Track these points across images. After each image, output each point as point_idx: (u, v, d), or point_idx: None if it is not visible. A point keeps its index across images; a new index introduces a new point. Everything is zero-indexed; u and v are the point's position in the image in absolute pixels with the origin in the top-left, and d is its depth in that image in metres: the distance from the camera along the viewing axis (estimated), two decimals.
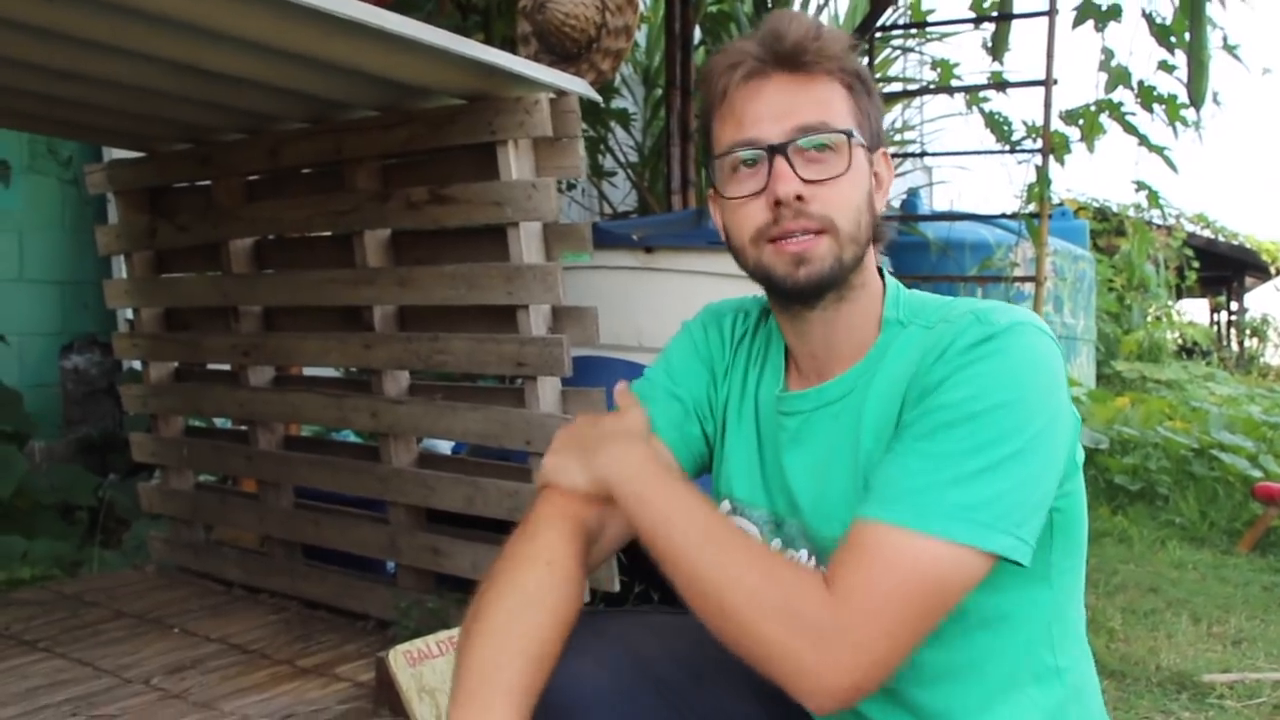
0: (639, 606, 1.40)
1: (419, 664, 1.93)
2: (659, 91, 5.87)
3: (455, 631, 2.01)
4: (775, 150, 1.05)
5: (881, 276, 1.15)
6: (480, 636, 1.02)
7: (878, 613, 0.94)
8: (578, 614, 1.07)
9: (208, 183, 2.88)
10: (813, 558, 1.13)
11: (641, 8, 3.48)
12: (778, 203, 1.04)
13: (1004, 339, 0.99)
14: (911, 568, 0.94)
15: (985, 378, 0.98)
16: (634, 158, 6.04)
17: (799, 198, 1.04)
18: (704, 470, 1.27)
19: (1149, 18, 4.55)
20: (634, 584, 2.38)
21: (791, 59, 1.06)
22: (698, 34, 5.36)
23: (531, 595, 1.04)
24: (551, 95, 2.17)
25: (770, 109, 1.06)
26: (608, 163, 5.79)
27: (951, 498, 0.95)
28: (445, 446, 3.07)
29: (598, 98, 2.37)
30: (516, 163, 2.17)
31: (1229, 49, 4.67)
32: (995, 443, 0.96)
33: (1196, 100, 4.64)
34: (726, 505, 1.21)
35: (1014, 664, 1.08)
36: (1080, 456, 1.09)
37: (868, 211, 1.08)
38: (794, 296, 1.09)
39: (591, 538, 1.13)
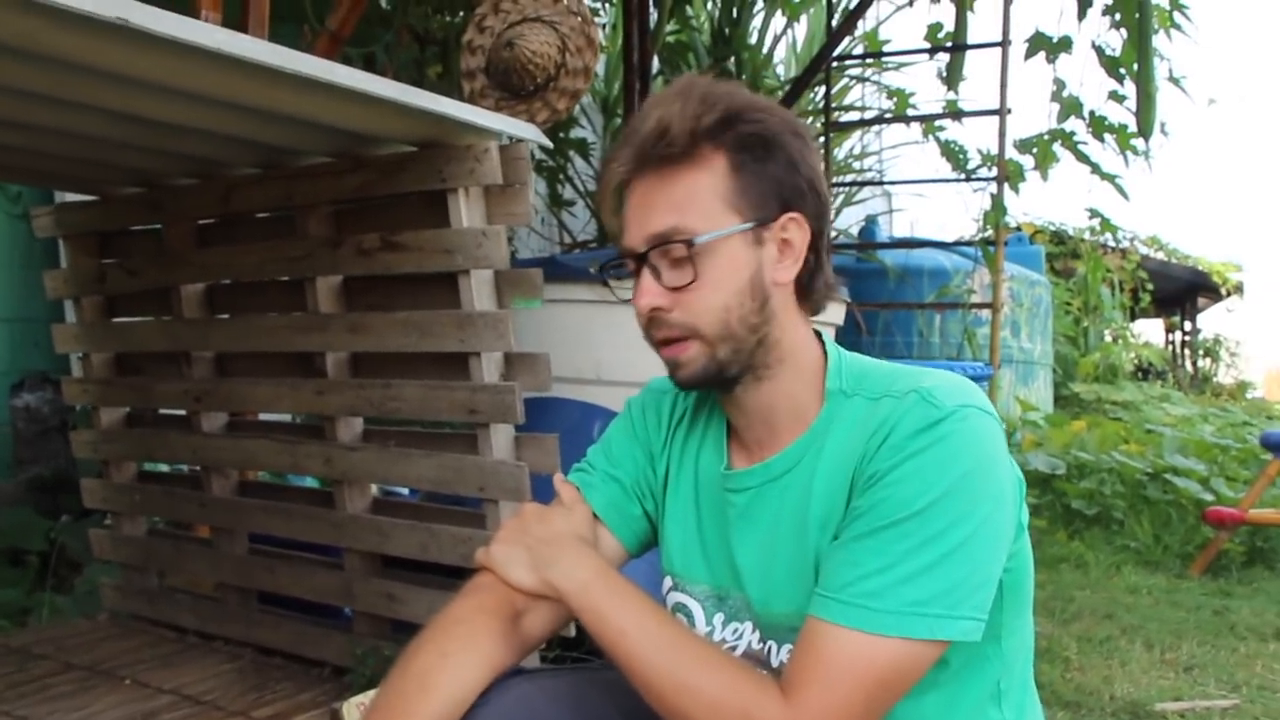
0: (592, 662, 1.40)
1: None
2: (618, 120, 5.90)
3: None
4: (638, 261, 1.07)
5: (822, 343, 1.15)
6: (390, 681, 1.07)
7: (831, 717, 0.96)
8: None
9: (159, 227, 2.85)
10: (757, 631, 1.14)
11: (600, 40, 3.50)
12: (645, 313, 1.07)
13: (947, 424, 1.00)
14: (868, 670, 0.97)
15: (930, 469, 0.99)
16: (593, 187, 6.06)
17: (657, 309, 1.06)
18: (648, 547, 1.28)
19: (1099, 50, 4.66)
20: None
21: (646, 158, 1.05)
22: (656, 64, 5.40)
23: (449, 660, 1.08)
24: (502, 143, 2.18)
25: (633, 215, 1.07)
26: (567, 192, 5.80)
27: (904, 595, 0.96)
28: (406, 489, 3.05)
29: (549, 144, 2.38)
30: (467, 210, 2.17)
31: (1175, 81, 4.78)
32: (943, 534, 0.97)
33: (1145, 130, 4.74)
34: (669, 581, 1.22)
35: None
36: (1025, 517, 1.11)
37: (749, 300, 1.06)
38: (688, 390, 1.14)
39: (522, 629, 1.15)
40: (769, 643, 1.12)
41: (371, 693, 1.99)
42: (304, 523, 2.61)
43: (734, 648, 1.15)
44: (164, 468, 3.28)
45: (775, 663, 1.11)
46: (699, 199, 1.04)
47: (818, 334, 1.16)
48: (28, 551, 3.49)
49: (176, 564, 2.98)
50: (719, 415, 1.20)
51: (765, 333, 1.08)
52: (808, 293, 1.12)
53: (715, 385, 1.11)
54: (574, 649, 2.34)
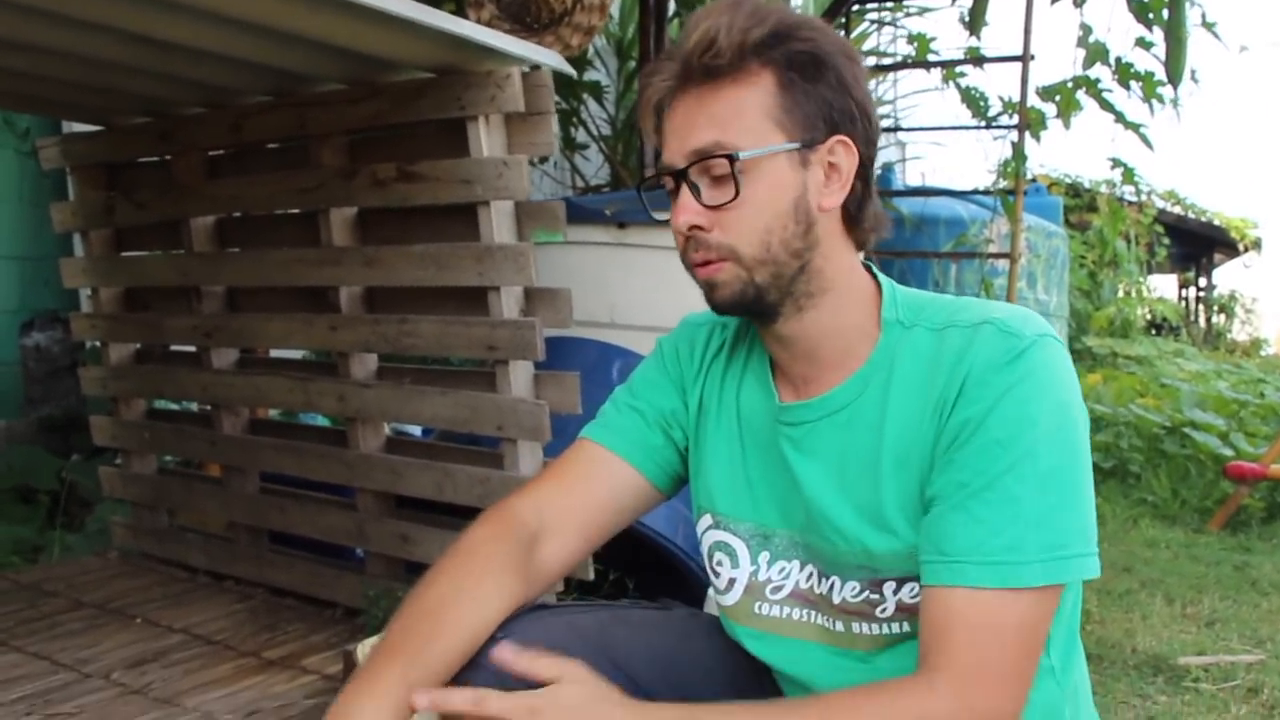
0: (616, 601, 1.36)
1: None
2: (632, 64, 5.79)
3: None
4: (678, 178, 1.02)
5: (874, 276, 1.10)
6: (402, 615, 1.03)
7: (996, 682, 0.93)
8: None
9: (168, 158, 2.78)
10: (807, 568, 1.09)
11: None
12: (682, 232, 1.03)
13: (1033, 355, 0.97)
14: (1022, 626, 0.93)
15: (1029, 405, 0.95)
16: (607, 131, 5.96)
17: (697, 228, 1.01)
18: (681, 482, 1.22)
19: None
20: (609, 572, 2.34)
21: (691, 71, 1.00)
22: (672, 5, 5.28)
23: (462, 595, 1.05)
24: (524, 69, 2.10)
25: (675, 130, 1.03)
26: (580, 136, 5.71)
27: (1042, 540, 0.93)
28: (417, 429, 3.01)
29: (572, 72, 2.31)
30: (487, 139, 2.10)
31: (1208, 26, 4.64)
32: (1057, 470, 0.94)
33: (1174, 78, 4.61)
34: (708, 519, 1.17)
35: None
36: None
37: (792, 223, 1.01)
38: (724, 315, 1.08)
39: (537, 559, 1.12)
40: (833, 578, 1.07)
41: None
42: (316, 461, 2.56)
43: (780, 587, 1.11)
44: (174, 405, 3.24)
45: (837, 599, 1.07)
46: (744, 115, 1.00)
47: (868, 266, 1.11)
48: (38, 490, 3.48)
49: (187, 502, 2.95)
50: (759, 350, 1.15)
51: (808, 259, 1.03)
52: (856, 222, 1.07)
53: (754, 312, 1.05)
54: (593, 593, 2.31)
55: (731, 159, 0.98)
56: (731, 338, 1.19)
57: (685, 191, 1.01)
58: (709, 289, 1.04)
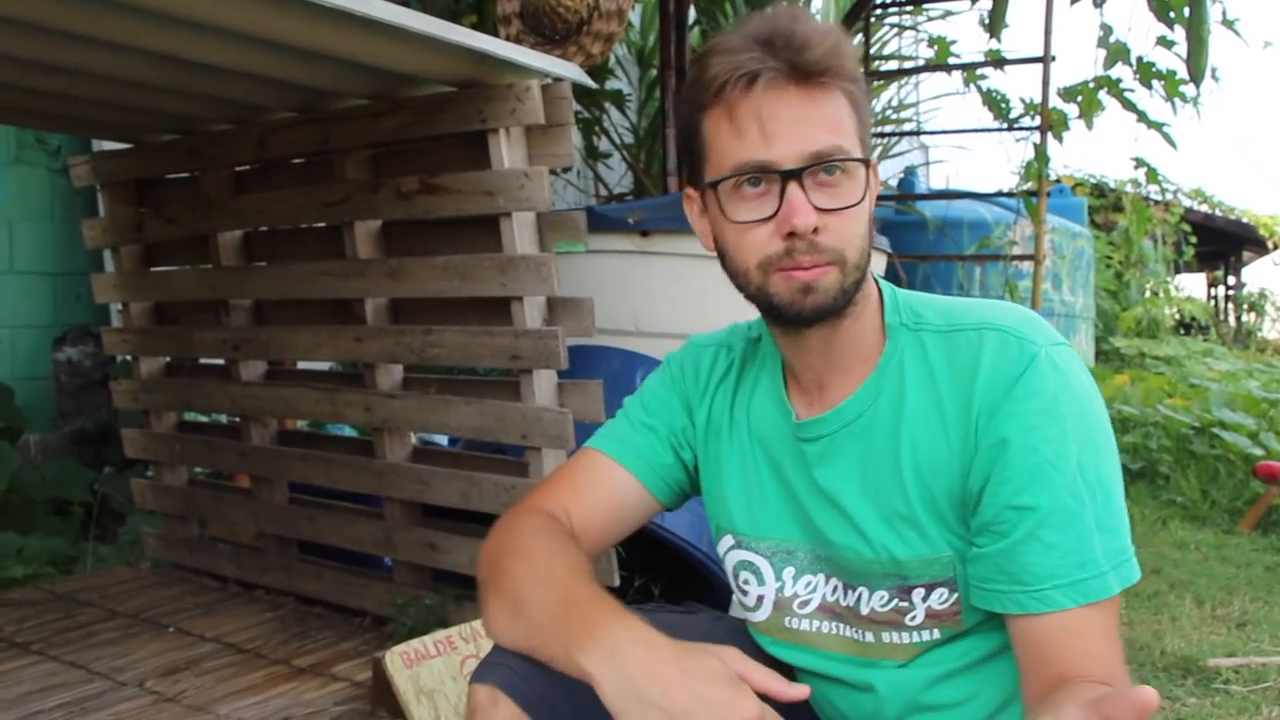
0: (643, 605, 1.37)
1: (416, 665, 1.89)
2: (654, 72, 5.81)
3: (452, 631, 1.98)
4: (790, 177, 0.98)
5: (875, 282, 1.11)
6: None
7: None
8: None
9: (196, 174, 2.83)
10: (831, 580, 1.10)
11: None
12: (791, 234, 0.98)
13: (1054, 367, 0.98)
14: (1114, 628, 0.96)
15: (1065, 420, 0.96)
16: (629, 139, 5.98)
17: (814, 230, 0.98)
18: (685, 498, 1.23)
19: None
20: (634, 578, 2.35)
21: (810, 73, 0.98)
22: (692, 14, 5.30)
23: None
24: (544, 82, 2.12)
25: (785, 129, 0.98)
26: (603, 144, 5.73)
27: (1108, 548, 0.96)
28: (444, 438, 3.04)
29: (591, 83, 2.32)
30: (508, 151, 2.12)
31: (1228, 24, 4.61)
32: (1103, 480, 0.96)
33: (1196, 76, 4.59)
34: (730, 539, 1.17)
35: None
36: None
37: (869, 231, 1.03)
38: (795, 322, 1.04)
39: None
40: (860, 589, 1.08)
41: (414, 641, 1.98)
42: (344, 471, 2.60)
43: (807, 601, 1.12)
44: (203, 418, 3.29)
45: (865, 610, 1.07)
46: (846, 125, 1.00)
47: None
48: (72, 502, 3.53)
49: (217, 513, 2.99)
50: (770, 367, 1.15)
51: (866, 268, 1.04)
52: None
53: (824, 319, 1.02)
54: (619, 598, 2.32)
55: (866, 164, 1.00)
56: (739, 359, 1.20)
57: (799, 192, 0.97)
58: (804, 292, 0.99)
